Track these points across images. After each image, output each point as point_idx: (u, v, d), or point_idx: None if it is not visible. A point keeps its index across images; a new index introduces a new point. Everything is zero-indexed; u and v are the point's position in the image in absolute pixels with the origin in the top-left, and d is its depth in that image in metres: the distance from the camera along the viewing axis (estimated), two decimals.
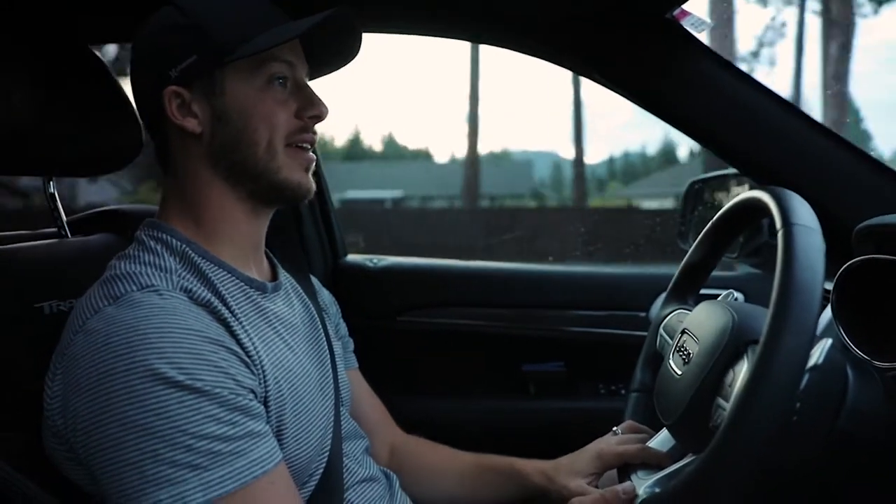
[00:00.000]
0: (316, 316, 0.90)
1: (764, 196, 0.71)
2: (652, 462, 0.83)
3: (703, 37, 1.04)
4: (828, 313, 0.78)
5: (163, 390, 0.62)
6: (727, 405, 0.67)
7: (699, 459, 0.63)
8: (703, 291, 0.97)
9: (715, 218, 0.89)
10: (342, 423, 0.89)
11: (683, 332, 0.81)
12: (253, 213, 0.81)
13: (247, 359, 0.70)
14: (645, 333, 1.00)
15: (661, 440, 0.85)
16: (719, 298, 0.90)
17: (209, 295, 0.72)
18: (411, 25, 1.21)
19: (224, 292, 0.74)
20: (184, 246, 0.75)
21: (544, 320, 1.68)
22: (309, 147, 0.81)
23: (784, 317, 0.59)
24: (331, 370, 0.88)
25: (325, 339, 0.89)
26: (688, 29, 1.03)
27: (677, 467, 0.75)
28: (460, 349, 1.64)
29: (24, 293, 0.81)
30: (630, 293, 1.59)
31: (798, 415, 0.64)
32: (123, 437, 0.61)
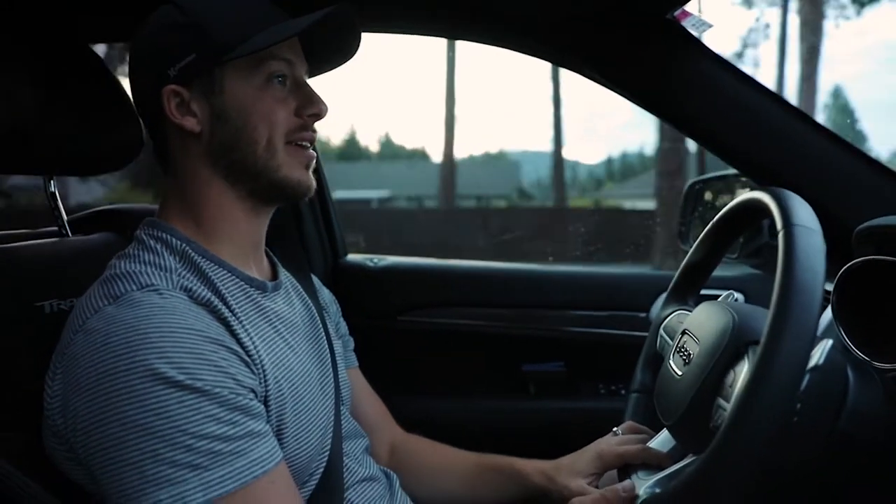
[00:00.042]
0: (316, 315, 0.90)
1: (764, 197, 0.71)
2: (652, 462, 0.83)
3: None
4: (828, 314, 0.78)
5: (163, 390, 0.61)
6: (728, 406, 0.67)
7: (700, 460, 0.63)
8: (703, 292, 0.97)
9: (715, 219, 0.89)
10: (342, 422, 0.89)
11: (684, 332, 0.81)
12: (253, 212, 0.81)
13: (247, 358, 0.70)
14: (645, 334, 1.00)
15: (662, 441, 0.85)
16: (720, 299, 0.90)
17: (209, 294, 0.72)
18: (411, 25, 1.21)
19: (224, 291, 0.74)
20: (184, 245, 0.75)
21: (544, 320, 1.68)
22: (308, 145, 0.81)
23: (785, 317, 0.59)
24: (331, 369, 0.88)
25: (325, 338, 0.89)
26: (688, 30, 1.03)
27: (678, 468, 0.75)
28: (461, 349, 1.64)
29: (25, 292, 0.81)
30: (630, 293, 1.59)
31: (798, 415, 0.64)
32: (123, 436, 0.61)
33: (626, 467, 0.86)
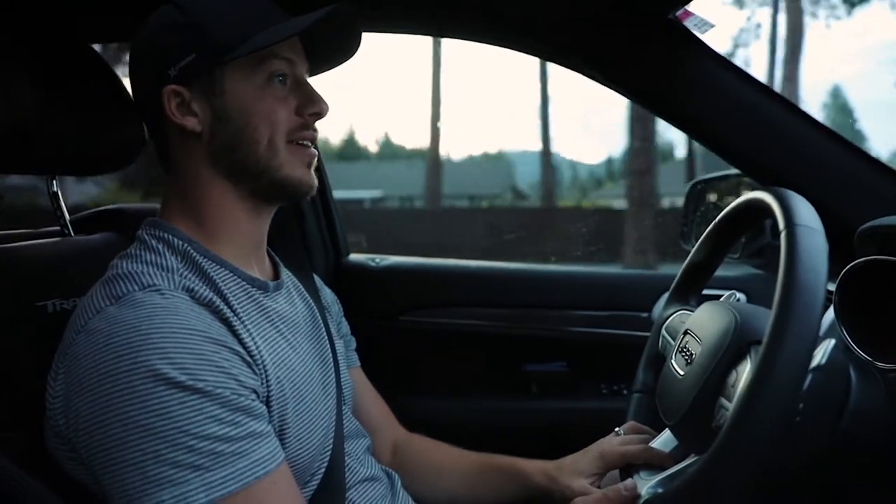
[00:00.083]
0: (318, 314, 0.90)
1: (767, 197, 0.71)
2: (654, 462, 0.83)
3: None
4: (830, 314, 0.78)
5: (165, 391, 0.61)
6: (730, 406, 0.67)
7: (702, 460, 0.63)
8: (705, 292, 0.97)
9: (717, 219, 0.89)
10: (344, 422, 0.89)
11: (686, 332, 0.81)
12: (254, 212, 0.81)
13: (249, 359, 0.70)
14: (647, 334, 1.00)
15: (664, 441, 0.85)
16: (722, 299, 0.90)
17: (211, 294, 0.72)
18: (411, 25, 1.21)
19: (226, 291, 0.74)
20: (185, 245, 0.75)
21: (546, 320, 1.68)
22: (310, 144, 0.81)
23: (787, 317, 0.59)
24: (333, 369, 0.88)
25: (327, 337, 0.89)
26: (690, 29, 1.03)
27: (680, 468, 0.75)
28: (462, 349, 1.64)
29: (27, 292, 0.81)
30: (632, 293, 1.59)
31: (801, 415, 0.64)
32: (125, 437, 0.61)
33: (628, 467, 0.86)
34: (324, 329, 0.90)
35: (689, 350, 0.78)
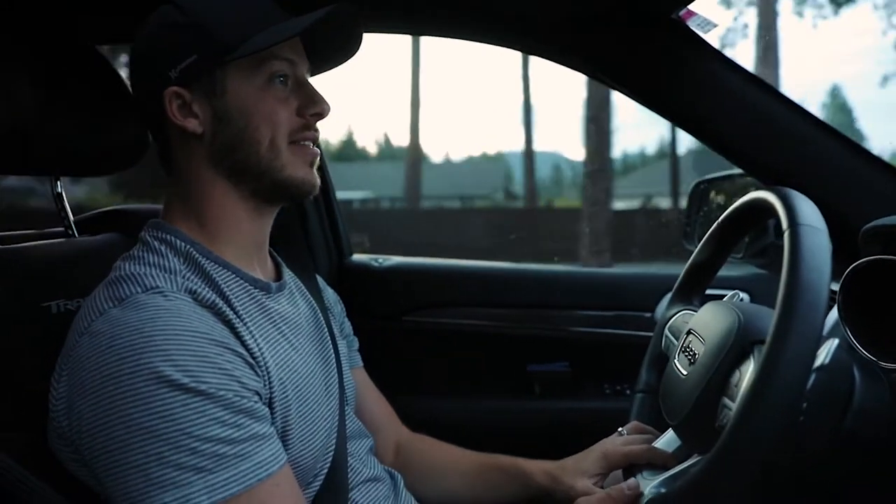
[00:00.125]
0: (320, 315, 0.90)
1: (770, 196, 0.71)
2: (657, 462, 0.83)
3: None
4: (834, 314, 0.78)
5: (167, 393, 0.61)
6: (733, 405, 0.67)
7: (705, 460, 0.63)
8: (708, 292, 0.97)
9: (721, 218, 0.89)
10: (347, 422, 0.89)
11: (689, 332, 0.81)
12: (256, 212, 0.81)
13: (251, 361, 0.70)
14: (650, 334, 1.00)
15: (667, 440, 0.85)
16: (725, 299, 0.90)
17: (214, 296, 0.72)
18: (411, 25, 1.21)
19: (228, 293, 0.74)
20: (188, 246, 0.75)
21: (549, 320, 1.68)
22: (312, 143, 0.81)
23: (790, 317, 0.59)
24: (336, 369, 0.88)
25: (329, 338, 0.89)
26: (693, 29, 1.03)
27: (683, 468, 0.74)
28: (465, 349, 1.64)
29: (32, 292, 0.81)
30: (635, 293, 1.59)
31: (804, 415, 0.64)
32: (128, 439, 0.61)
33: (631, 467, 0.86)
34: (326, 329, 0.89)
35: (692, 350, 0.78)
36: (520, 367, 1.60)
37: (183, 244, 0.75)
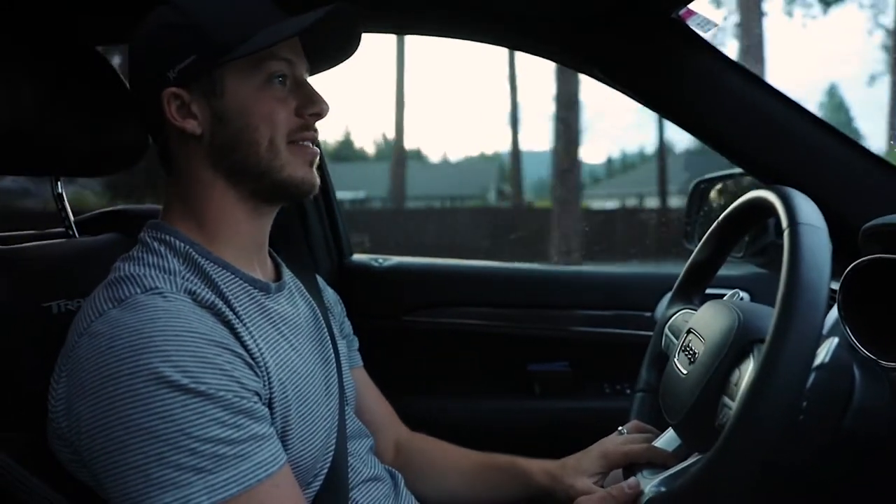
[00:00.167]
0: (320, 315, 0.90)
1: (770, 195, 0.71)
2: (657, 461, 0.83)
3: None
4: (834, 313, 0.78)
5: (167, 394, 0.61)
6: (733, 404, 0.67)
7: (705, 458, 0.63)
8: (708, 291, 0.97)
9: (721, 217, 0.89)
10: (347, 422, 0.89)
11: (689, 331, 0.81)
12: (255, 213, 0.81)
13: (251, 361, 0.70)
14: (650, 333, 1.00)
15: (667, 439, 0.85)
16: (725, 298, 0.90)
17: (213, 297, 0.71)
18: (410, 25, 1.21)
19: (228, 294, 0.74)
20: (187, 247, 0.75)
21: (550, 320, 1.68)
22: (311, 143, 0.81)
23: (790, 316, 0.59)
24: (335, 369, 0.88)
25: (329, 338, 0.89)
26: (693, 28, 1.03)
27: (683, 466, 0.74)
28: (466, 349, 1.64)
29: (32, 293, 0.81)
30: (635, 293, 1.59)
31: (804, 414, 0.64)
32: (127, 440, 0.61)
33: (631, 466, 0.86)
34: (326, 329, 0.89)
35: (692, 349, 0.78)
36: (520, 366, 1.60)
37: (182, 245, 0.75)
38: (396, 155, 15.56)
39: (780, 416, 0.58)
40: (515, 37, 1.18)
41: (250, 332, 0.72)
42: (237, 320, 0.72)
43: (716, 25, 1.02)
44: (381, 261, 1.72)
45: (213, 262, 0.76)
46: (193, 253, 0.75)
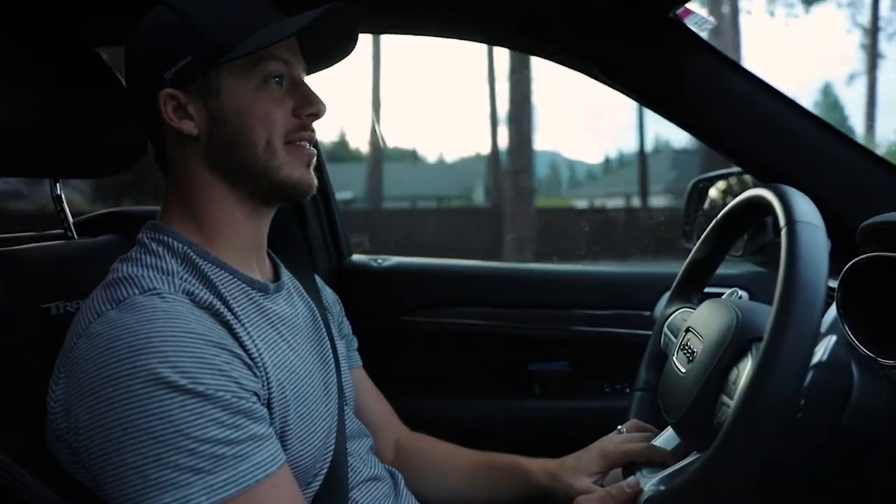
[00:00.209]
0: (319, 316, 0.90)
1: (768, 194, 0.71)
2: (657, 460, 0.83)
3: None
4: (833, 311, 0.78)
5: (165, 394, 0.61)
6: (731, 403, 0.67)
7: (704, 457, 0.63)
8: (707, 290, 0.97)
9: (719, 216, 0.89)
10: (346, 422, 0.89)
11: (687, 330, 0.81)
12: (253, 213, 0.80)
13: (250, 361, 0.70)
14: (649, 332, 1.00)
15: (666, 438, 0.85)
16: (723, 297, 0.90)
17: (211, 297, 0.71)
18: (409, 25, 1.21)
19: (226, 294, 0.74)
20: (185, 248, 0.75)
21: (549, 320, 1.68)
22: (308, 144, 0.80)
23: (788, 314, 0.59)
24: (334, 370, 0.88)
25: (328, 338, 0.89)
26: (690, 28, 1.03)
27: (682, 465, 0.74)
28: (465, 349, 1.64)
29: (31, 294, 0.81)
30: (634, 292, 1.59)
31: (802, 412, 0.64)
32: (126, 441, 0.61)
33: (630, 465, 0.86)
34: (324, 330, 0.89)
35: (690, 348, 0.78)
36: (520, 366, 1.60)
37: (180, 245, 0.75)
38: (373, 158, 15.55)
39: (778, 414, 0.58)
40: (515, 37, 1.18)
41: (248, 333, 0.72)
42: (235, 321, 0.72)
43: (713, 24, 1.03)
44: (380, 261, 1.72)
45: (212, 262, 0.76)
46: (191, 254, 0.75)
